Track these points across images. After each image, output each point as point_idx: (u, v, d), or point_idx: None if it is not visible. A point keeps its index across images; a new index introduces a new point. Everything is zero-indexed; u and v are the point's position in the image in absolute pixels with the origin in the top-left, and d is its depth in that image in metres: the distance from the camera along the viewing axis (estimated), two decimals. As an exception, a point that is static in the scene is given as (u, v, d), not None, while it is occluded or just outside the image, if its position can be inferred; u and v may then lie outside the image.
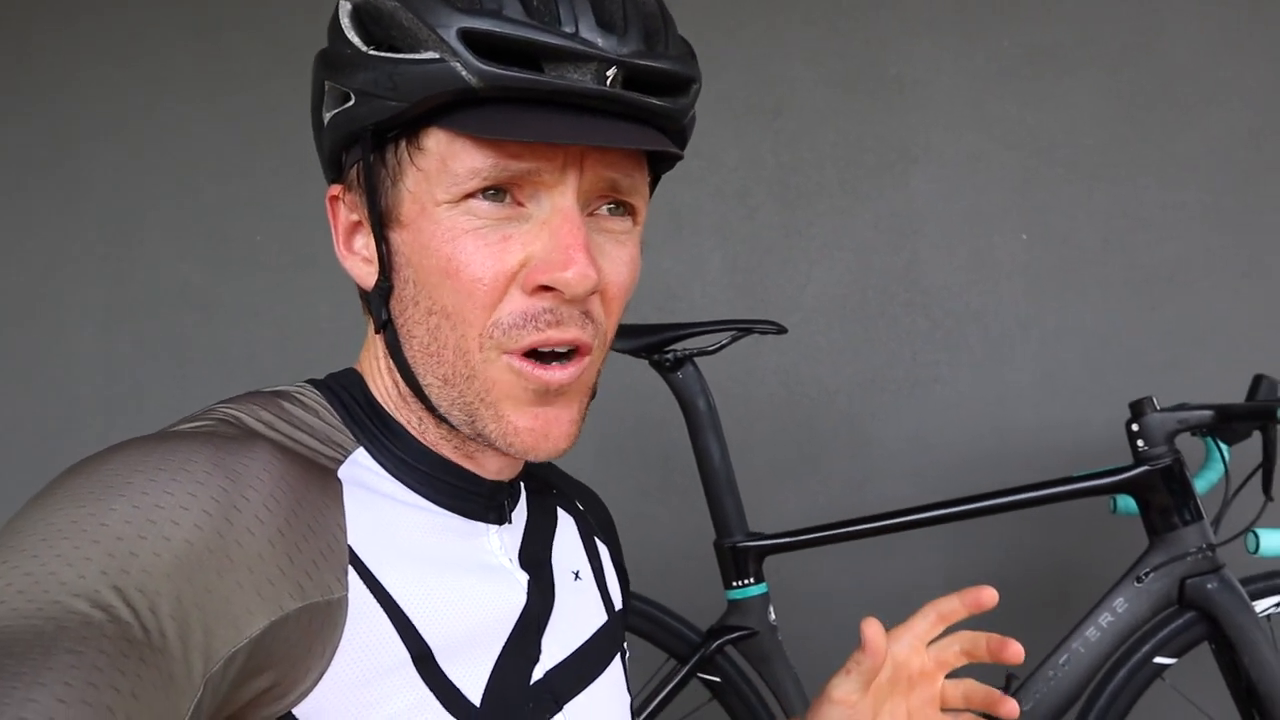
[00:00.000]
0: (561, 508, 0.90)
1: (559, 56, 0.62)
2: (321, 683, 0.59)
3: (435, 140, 0.65)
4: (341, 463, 0.68)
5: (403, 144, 0.66)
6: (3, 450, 2.37)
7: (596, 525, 0.95)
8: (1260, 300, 2.04)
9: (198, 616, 0.52)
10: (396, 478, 0.71)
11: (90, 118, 2.39)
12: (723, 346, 1.65)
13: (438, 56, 0.62)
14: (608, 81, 0.63)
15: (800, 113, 2.18)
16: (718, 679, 1.67)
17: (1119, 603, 1.54)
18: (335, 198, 0.73)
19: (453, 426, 0.70)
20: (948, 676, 0.88)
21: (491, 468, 0.75)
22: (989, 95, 2.13)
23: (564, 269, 0.63)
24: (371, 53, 0.65)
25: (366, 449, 0.71)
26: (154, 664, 0.48)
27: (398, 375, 0.71)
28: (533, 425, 0.68)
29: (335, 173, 0.73)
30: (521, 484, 0.83)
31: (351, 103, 0.66)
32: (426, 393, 0.69)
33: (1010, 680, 1.57)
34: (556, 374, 0.67)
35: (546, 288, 0.64)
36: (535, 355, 0.66)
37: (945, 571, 2.08)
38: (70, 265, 2.38)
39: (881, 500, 2.10)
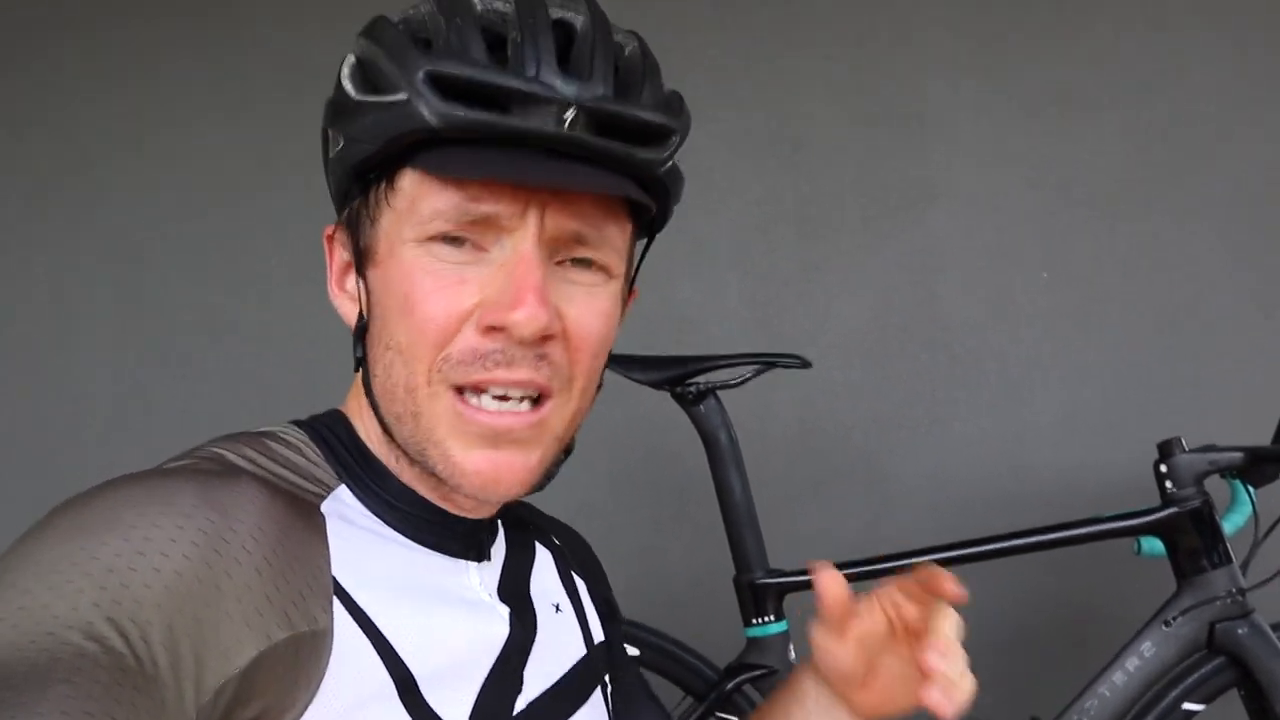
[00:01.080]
0: (539, 542, 0.90)
1: (520, 99, 0.63)
2: (308, 713, 0.59)
3: (408, 181, 0.66)
4: (324, 498, 0.69)
5: (381, 184, 0.68)
6: (11, 468, 2.35)
7: (574, 559, 0.96)
8: (1282, 341, 2.03)
9: (188, 645, 0.53)
10: (378, 515, 0.72)
11: (106, 135, 2.38)
12: (746, 380, 1.64)
13: (405, 98, 0.63)
14: (565, 124, 0.63)
15: (821, 147, 2.18)
16: (736, 718, 1.64)
17: (1146, 647, 1.52)
18: (330, 236, 0.75)
19: (422, 467, 0.71)
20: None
21: (467, 506, 0.75)
22: (1010, 133, 2.13)
23: (513, 310, 0.63)
24: (357, 98, 0.67)
25: (349, 486, 0.72)
26: (148, 693, 0.49)
27: (373, 415, 0.72)
28: (480, 468, 0.67)
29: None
30: (498, 521, 0.84)
31: (341, 146, 0.69)
32: (390, 430, 0.70)
33: (1035, 724, 1.55)
34: (504, 419, 0.67)
35: (497, 328, 0.64)
36: (489, 397, 0.67)
37: (967, 611, 2.04)
38: (82, 282, 2.37)
39: (897, 538, 2.06)
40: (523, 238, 0.65)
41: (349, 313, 0.73)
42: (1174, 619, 1.52)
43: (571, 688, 0.81)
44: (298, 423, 0.75)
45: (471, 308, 0.65)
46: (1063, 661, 1.95)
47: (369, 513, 0.71)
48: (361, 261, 0.71)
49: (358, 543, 0.68)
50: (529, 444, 0.69)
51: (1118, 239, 2.08)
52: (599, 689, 0.86)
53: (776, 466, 2.13)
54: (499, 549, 0.82)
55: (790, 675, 0.93)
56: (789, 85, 2.20)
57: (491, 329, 0.64)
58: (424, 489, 0.73)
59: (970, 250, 2.12)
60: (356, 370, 0.73)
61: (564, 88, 0.64)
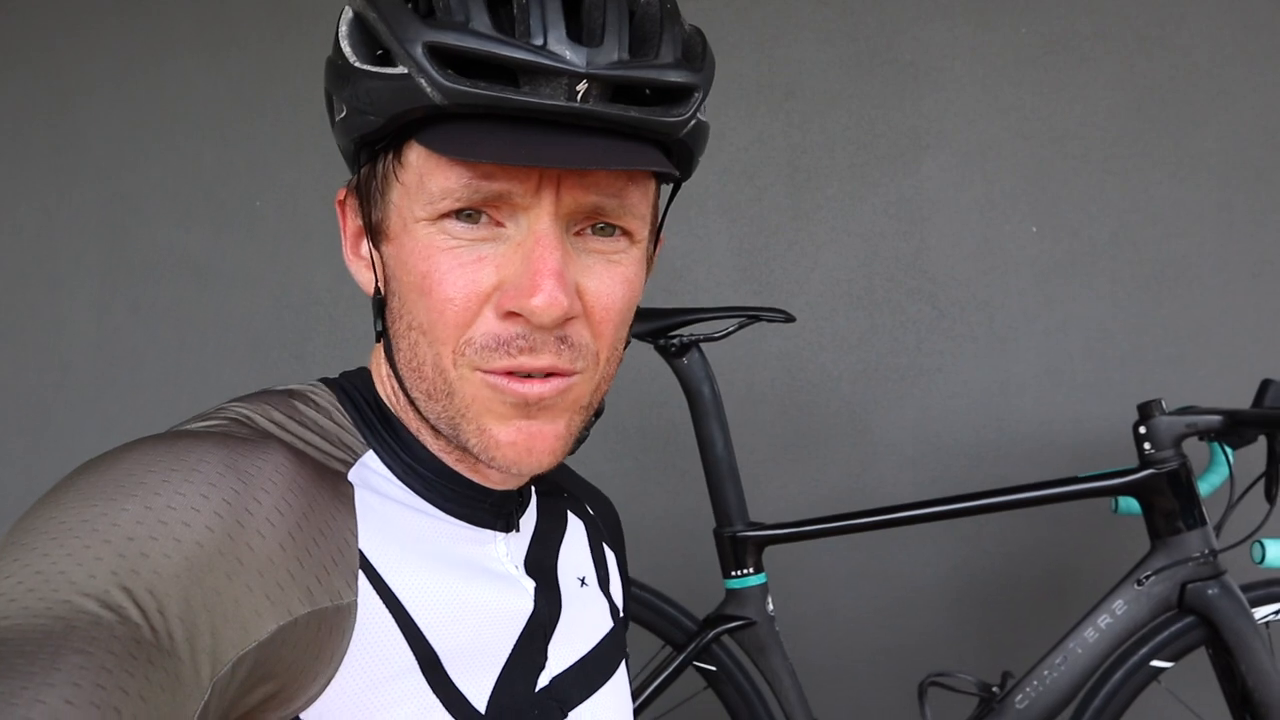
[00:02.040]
0: (572, 512, 0.89)
1: (529, 70, 0.60)
2: (329, 688, 0.59)
3: (415, 155, 0.64)
4: (351, 465, 0.68)
5: (389, 157, 0.66)
6: (1, 424, 2.35)
7: (606, 531, 0.95)
8: (1269, 301, 2.03)
9: (206, 619, 0.51)
10: (404, 483, 0.71)
11: (89, 77, 2.35)
12: (730, 333, 1.64)
13: (405, 72, 0.61)
14: (578, 96, 0.60)
15: (812, 95, 2.15)
16: (713, 668, 1.67)
17: (1118, 605, 1.53)
18: (342, 201, 0.73)
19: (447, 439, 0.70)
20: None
21: (495, 478, 0.74)
22: (1003, 83, 2.10)
23: (531, 296, 0.61)
24: (357, 66, 0.64)
25: (376, 452, 0.70)
26: (162, 666, 0.48)
27: (396, 383, 0.71)
28: (515, 439, 0.66)
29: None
30: (532, 489, 0.83)
31: (344, 114, 0.67)
32: (416, 404, 0.69)
33: (1006, 678, 1.57)
34: (535, 388, 0.64)
35: (516, 313, 0.62)
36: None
37: (945, 565, 2.08)
38: (66, 228, 2.35)
39: (880, 489, 2.09)
40: (538, 216, 0.62)
41: (366, 280, 0.72)
42: (1146, 578, 1.53)
43: (596, 663, 0.81)
44: (327, 381, 0.74)
45: (490, 289, 0.63)
46: (1037, 617, 1.98)
47: (396, 480, 0.70)
48: (374, 234, 0.69)
49: (385, 514, 0.67)
50: (558, 412, 0.67)
51: (1109, 193, 2.06)
52: (623, 662, 0.86)
53: (762, 418, 2.13)
54: (529, 519, 0.81)
55: None
56: (780, 30, 2.16)
57: (511, 314, 0.63)
58: (451, 459, 0.73)
59: (960, 201, 2.11)
60: (378, 341, 0.72)
61: (574, 56, 0.60)
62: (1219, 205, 2.04)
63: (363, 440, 0.70)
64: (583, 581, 0.84)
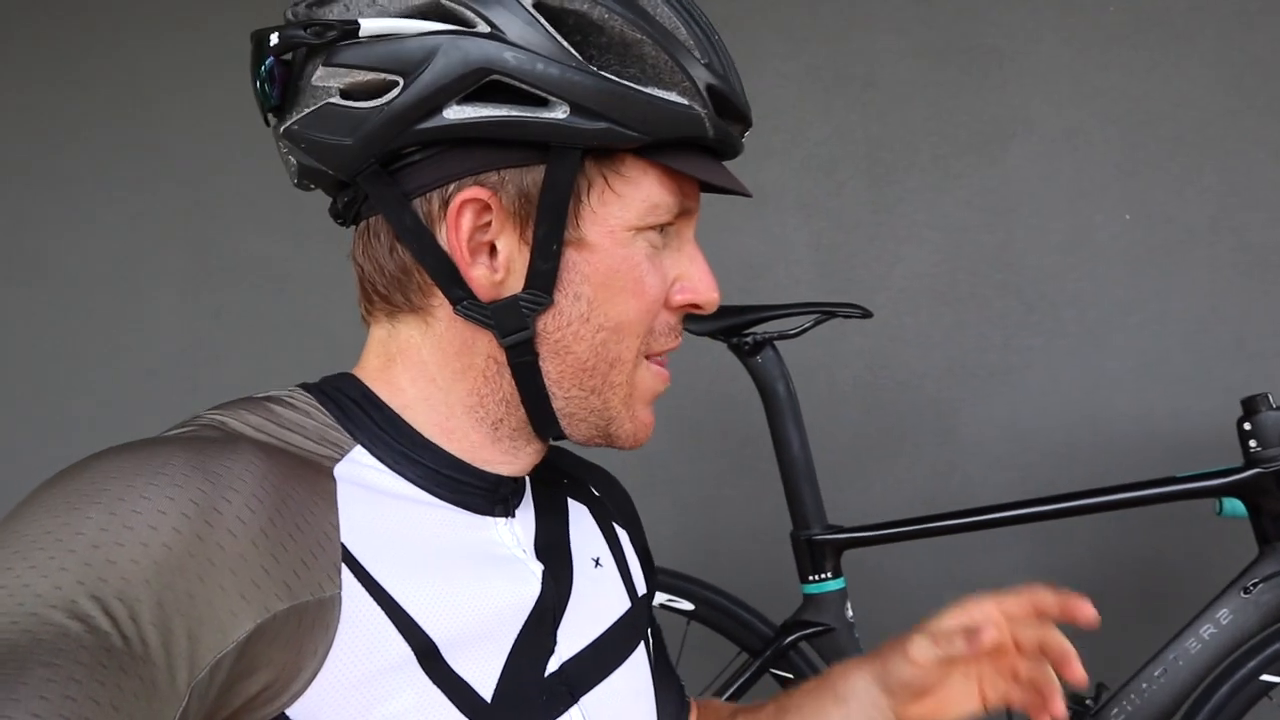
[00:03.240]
0: (572, 497, 0.88)
1: (739, 119, 0.72)
2: (315, 683, 0.58)
3: (633, 168, 0.68)
4: (338, 460, 0.67)
5: (591, 165, 0.67)
6: (88, 419, 2.43)
7: (615, 509, 0.94)
8: (1386, 287, 1.91)
9: (180, 622, 0.51)
10: (398, 472, 0.70)
11: (171, 89, 2.41)
12: (804, 330, 1.60)
13: (687, 104, 0.67)
14: (743, 137, 0.74)
15: (891, 85, 2.09)
16: (791, 675, 1.63)
17: (1223, 614, 1.45)
18: (470, 200, 0.67)
19: (510, 434, 0.73)
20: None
21: (505, 466, 0.74)
22: (1091, 66, 2.02)
23: (710, 293, 0.74)
24: (601, 72, 0.65)
25: (364, 446, 0.69)
26: (135, 673, 0.48)
27: (490, 387, 0.71)
28: (650, 420, 0.76)
29: (385, 161, 0.67)
30: (526, 477, 0.81)
31: (561, 115, 0.64)
32: (554, 403, 0.72)
33: (1100, 690, 1.50)
34: (668, 371, 0.76)
35: (692, 306, 0.74)
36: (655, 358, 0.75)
37: (1034, 570, 2.00)
38: (151, 234, 2.42)
39: (968, 491, 2.02)
40: (691, 226, 0.75)
41: (487, 281, 0.68)
42: (1254, 585, 1.44)
43: (611, 645, 0.80)
44: (304, 386, 0.73)
45: (669, 287, 0.72)
46: (1134, 626, 1.89)
47: (389, 470, 0.69)
48: (556, 238, 0.67)
49: (374, 506, 0.66)
50: None
51: (1207, 176, 1.96)
52: (641, 644, 0.85)
53: (843, 418, 2.08)
54: (526, 505, 0.80)
55: (834, 671, 0.90)
56: (857, 20, 2.11)
57: (685, 305, 0.74)
58: (455, 446, 0.72)
59: (1048, 190, 2.03)
60: (505, 337, 0.69)
61: (745, 107, 0.72)
62: (1328, 187, 1.93)
63: (349, 436, 0.69)
64: (597, 562, 0.84)
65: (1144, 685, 1.46)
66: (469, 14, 0.63)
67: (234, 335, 2.37)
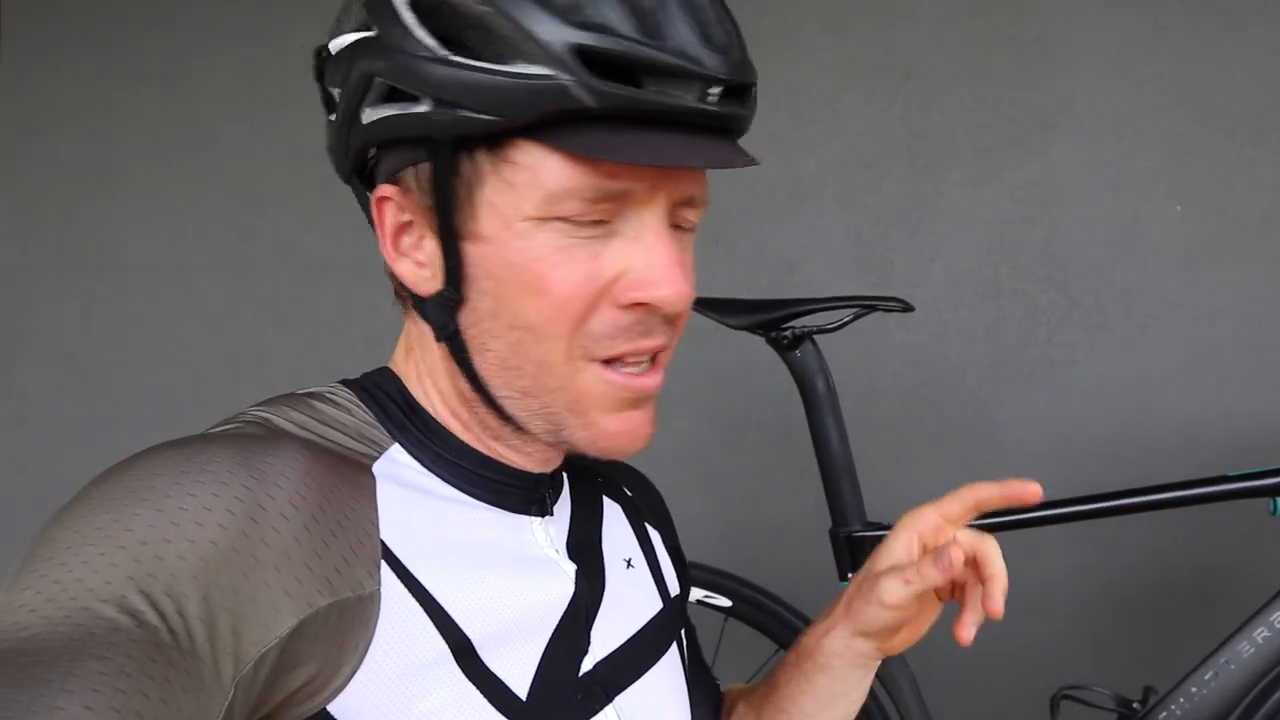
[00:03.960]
0: (607, 496, 0.89)
1: (666, 74, 0.60)
2: (355, 678, 0.59)
3: (525, 153, 0.62)
4: (376, 458, 0.68)
5: (480, 154, 0.63)
6: (137, 414, 2.46)
7: (647, 510, 0.93)
8: None
9: (226, 618, 0.52)
10: (434, 472, 0.71)
11: (217, 89, 2.45)
12: (844, 324, 1.57)
13: (547, 73, 0.59)
14: (709, 99, 0.62)
15: (931, 75, 2.06)
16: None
17: (1277, 617, 1.40)
18: (383, 199, 0.69)
19: (516, 427, 0.71)
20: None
21: (535, 461, 0.75)
22: (1139, 53, 1.97)
23: (662, 287, 0.64)
24: (455, 58, 0.60)
25: (402, 445, 0.70)
26: (183, 667, 0.49)
27: (461, 381, 0.70)
28: (624, 429, 0.69)
29: (356, 167, 0.71)
30: (564, 474, 0.82)
31: (426, 108, 0.62)
32: (501, 404, 0.69)
33: (1148, 693, 1.46)
34: (647, 381, 0.68)
35: (640, 303, 0.65)
36: (618, 360, 0.67)
37: (1080, 570, 1.97)
38: (198, 231, 2.45)
39: (1010, 489, 1.99)
40: (652, 210, 0.64)
41: (418, 279, 0.69)
42: (1310, 587, 1.40)
43: (645, 645, 0.80)
44: (346, 382, 0.74)
45: (609, 282, 0.64)
46: (1183, 628, 1.85)
47: (425, 470, 0.70)
48: (451, 233, 0.66)
49: (411, 503, 0.67)
50: (653, 398, 0.71)
51: (1260, 167, 1.91)
52: (674, 644, 0.85)
53: (884, 413, 2.06)
54: (564, 504, 0.80)
55: (807, 638, 0.89)
56: (896, 9, 2.07)
57: (632, 303, 0.65)
58: (484, 446, 0.72)
59: (1094, 181, 1.99)
60: (440, 340, 0.70)
61: (709, 61, 0.61)
62: (1387, 178, 1.87)
63: (387, 434, 0.70)
64: (629, 563, 0.84)
65: (1193, 689, 1.42)
66: (370, 21, 0.65)
67: (280, 329, 2.40)
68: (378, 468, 0.67)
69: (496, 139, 0.62)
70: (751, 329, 1.60)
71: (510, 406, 0.69)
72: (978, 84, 2.04)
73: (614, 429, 0.68)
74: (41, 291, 2.56)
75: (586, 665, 0.73)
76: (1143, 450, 1.94)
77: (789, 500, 2.09)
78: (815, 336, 1.59)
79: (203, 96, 2.45)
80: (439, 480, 0.70)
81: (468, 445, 0.72)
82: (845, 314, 1.57)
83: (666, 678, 0.81)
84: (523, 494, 0.74)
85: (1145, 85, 1.96)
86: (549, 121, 0.60)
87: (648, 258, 0.64)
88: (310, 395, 0.71)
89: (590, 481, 0.88)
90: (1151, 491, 1.47)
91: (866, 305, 1.56)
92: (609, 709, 0.73)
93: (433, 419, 0.72)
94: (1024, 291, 2.02)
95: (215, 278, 2.44)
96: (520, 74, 0.59)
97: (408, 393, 0.73)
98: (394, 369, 0.75)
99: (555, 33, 0.58)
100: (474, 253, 0.65)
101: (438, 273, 0.68)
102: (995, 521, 1.53)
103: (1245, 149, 1.92)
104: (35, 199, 2.56)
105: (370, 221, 0.71)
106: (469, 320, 0.68)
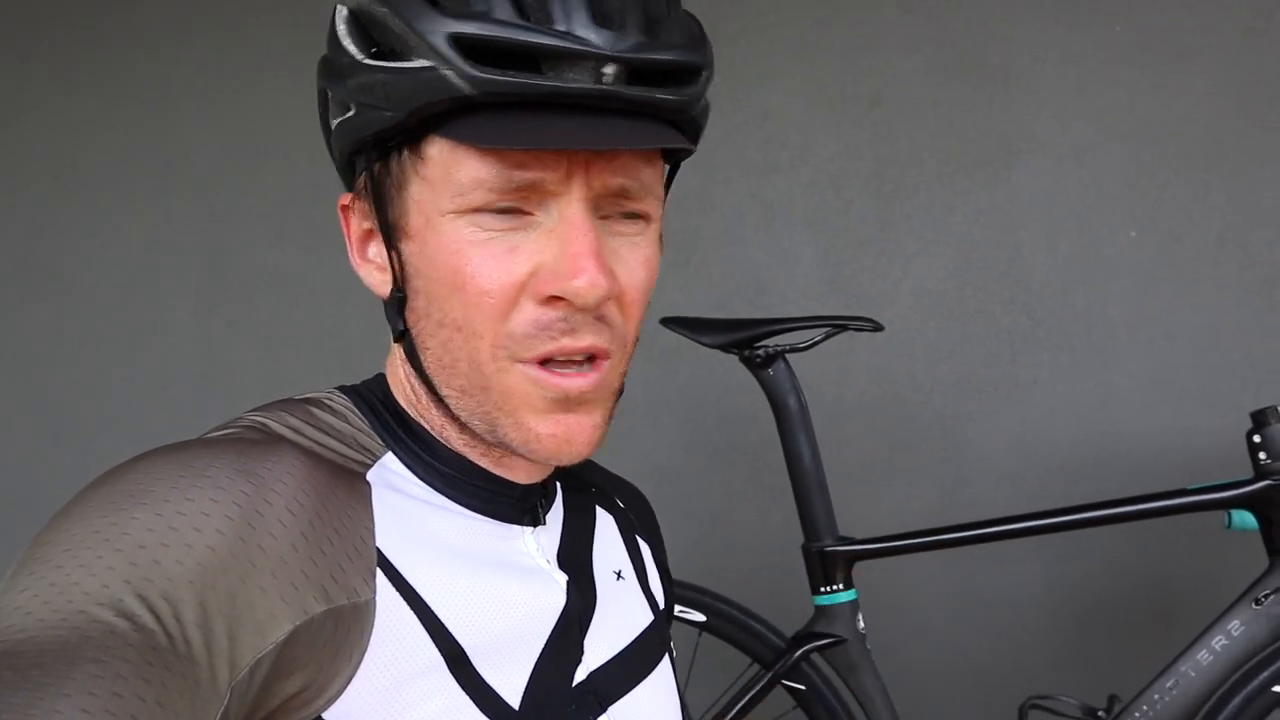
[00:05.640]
0: (600, 506, 0.88)
1: (555, 56, 0.60)
2: (350, 686, 0.59)
3: (437, 149, 0.63)
4: (370, 466, 0.68)
5: (405, 153, 0.65)
6: (103, 428, 2.44)
7: (638, 522, 0.94)
8: (1392, 304, 1.92)
9: (222, 623, 0.52)
10: (426, 482, 0.71)
11: (188, 102, 2.43)
12: (816, 343, 1.61)
13: (429, 64, 0.60)
14: (605, 79, 0.61)
15: (898, 103, 2.11)
16: (802, 687, 1.62)
17: (1234, 625, 1.45)
18: (346, 206, 0.73)
19: (475, 433, 0.70)
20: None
21: (520, 472, 0.74)
22: (1098, 83, 2.03)
23: (573, 278, 0.61)
24: (366, 61, 0.63)
25: (395, 453, 0.70)
26: (179, 672, 0.48)
27: (417, 383, 0.71)
28: (555, 432, 0.66)
29: (349, 178, 0.73)
30: (557, 484, 0.83)
31: (352, 112, 0.65)
32: (446, 401, 0.69)
33: (1113, 702, 1.50)
34: (576, 381, 0.65)
35: (557, 297, 0.63)
36: (552, 362, 0.65)
37: (1043, 581, 2.00)
38: (167, 246, 2.43)
39: (976, 505, 2.03)
40: (569, 201, 0.62)
41: (377, 282, 0.72)
42: (1265, 597, 1.44)
43: (638, 656, 0.80)
44: (343, 388, 0.75)
45: (525, 277, 0.63)
46: (1145, 638, 1.89)
47: (418, 480, 0.70)
48: (390, 233, 0.68)
49: (405, 512, 0.67)
50: (594, 404, 0.68)
51: (1213, 194, 1.97)
52: (666, 657, 0.85)
53: (852, 431, 2.09)
54: (556, 514, 0.80)
55: None
56: (864, 38, 2.12)
57: (552, 299, 0.63)
58: (475, 454, 0.72)
59: (1054, 207, 2.04)
60: (397, 342, 0.72)
61: (600, 40, 0.60)
62: (1334, 205, 1.94)
63: (381, 442, 0.71)
64: (619, 575, 0.84)
65: (1156, 697, 1.46)
66: (327, 42, 0.69)
67: (249, 347, 2.38)
68: (372, 475, 0.67)
69: (415, 137, 0.64)
70: (725, 348, 1.63)
71: (453, 405, 0.68)
72: (943, 111, 2.09)
73: (544, 431, 0.66)
74: (3, 305, 2.54)
75: (580, 675, 0.73)
76: (1104, 467, 1.99)
77: (761, 516, 2.11)
78: (787, 355, 1.62)
79: (170, 109, 2.43)
80: (430, 489, 0.70)
81: (457, 454, 0.72)
82: (817, 333, 1.60)
83: (659, 690, 0.81)
84: (514, 504, 0.74)
85: (1103, 114, 2.02)
86: (447, 113, 0.62)
87: (560, 248, 0.62)
88: (308, 401, 0.71)
89: (585, 491, 0.88)
90: (1112, 505, 1.51)
91: (838, 325, 1.60)
92: (602, 719, 0.73)
93: (422, 428, 0.72)
94: (989, 312, 2.06)
95: (182, 294, 2.42)
96: (408, 68, 0.61)
97: (395, 400, 0.74)
98: (386, 375, 0.76)
99: (435, 24, 0.60)
100: (406, 250, 0.67)
101: (389, 275, 0.70)
102: (961, 536, 1.56)
103: (1198, 176, 1.98)
104: None
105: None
106: (412, 319, 0.69)
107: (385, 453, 0.70)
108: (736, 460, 2.13)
